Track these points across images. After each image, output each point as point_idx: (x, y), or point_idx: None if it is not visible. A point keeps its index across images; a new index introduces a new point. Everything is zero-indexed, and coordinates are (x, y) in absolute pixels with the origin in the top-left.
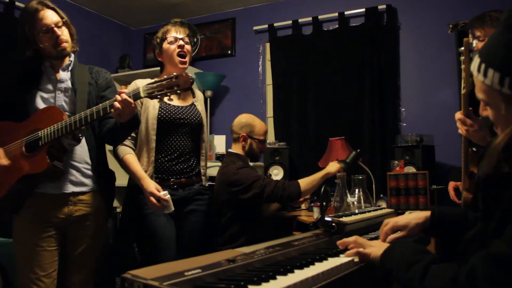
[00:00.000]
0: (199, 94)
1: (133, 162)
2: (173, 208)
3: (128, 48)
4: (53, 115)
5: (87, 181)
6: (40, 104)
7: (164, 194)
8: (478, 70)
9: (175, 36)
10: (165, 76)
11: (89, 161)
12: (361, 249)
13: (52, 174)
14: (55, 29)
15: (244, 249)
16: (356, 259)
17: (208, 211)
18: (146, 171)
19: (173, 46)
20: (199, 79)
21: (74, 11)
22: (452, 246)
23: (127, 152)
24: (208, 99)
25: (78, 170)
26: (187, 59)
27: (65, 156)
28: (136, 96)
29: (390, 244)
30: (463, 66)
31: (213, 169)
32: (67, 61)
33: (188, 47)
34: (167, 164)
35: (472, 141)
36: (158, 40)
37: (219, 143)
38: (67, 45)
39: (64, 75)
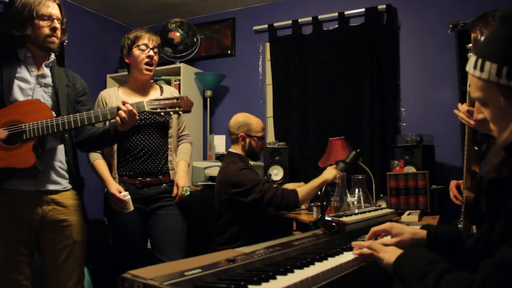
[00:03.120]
0: (168, 91)
1: (101, 166)
2: (132, 208)
3: None
4: (39, 110)
5: (62, 180)
6: (18, 94)
7: (124, 195)
8: (474, 67)
9: (146, 44)
10: (167, 96)
11: (64, 162)
12: (375, 253)
13: (31, 172)
14: (55, 21)
15: (244, 249)
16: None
17: (180, 205)
18: (111, 172)
19: (143, 54)
20: (199, 79)
21: (74, 11)
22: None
23: (96, 157)
24: (208, 99)
25: (53, 168)
26: (153, 67)
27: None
28: (139, 108)
29: (404, 251)
30: None
31: (213, 169)
32: (50, 58)
33: (156, 57)
34: (133, 163)
35: (481, 131)
36: (129, 42)
37: (219, 143)
38: (56, 41)
39: (46, 71)
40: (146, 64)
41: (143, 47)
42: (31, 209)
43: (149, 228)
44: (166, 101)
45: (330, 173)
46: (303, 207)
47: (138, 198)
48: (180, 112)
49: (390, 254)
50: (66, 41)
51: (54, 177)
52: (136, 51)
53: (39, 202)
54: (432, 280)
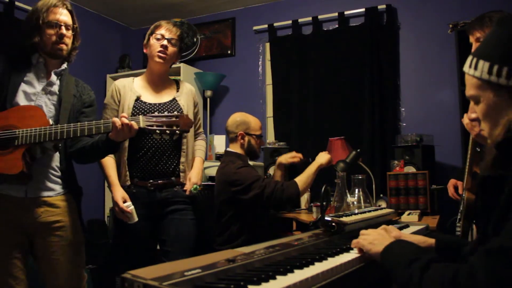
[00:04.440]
0: (185, 88)
1: (109, 166)
2: (136, 219)
3: (128, 48)
4: (36, 117)
5: (55, 186)
6: (21, 98)
7: (127, 206)
8: (470, 66)
9: (162, 34)
10: (166, 113)
11: (58, 169)
12: (362, 241)
13: (18, 178)
14: (63, 27)
15: (244, 249)
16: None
17: (193, 209)
18: (121, 171)
19: (157, 44)
20: (199, 79)
21: (74, 11)
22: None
23: None
24: (208, 99)
25: (46, 175)
26: (166, 57)
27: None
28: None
29: (392, 241)
30: None
31: (213, 169)
32: (62, 66)
33: (172, 49)
34: (144, 163)
35: (482, 143)
36: (149, 32)
37: (219, 143)
38: (65, 48)
39: (55, 78)
40: (159, 52)
41: (158, 36)
42: (23, 212)
43: (161, 231)
44: (164, 119)
45: (323, 157)
46: (303, 207)
47: (150, 202)
48: (177, 131)
49: (378, 244)
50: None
51: (47, 184)
52: (151, 40)
53: (31, 206)
54: (420, 267)
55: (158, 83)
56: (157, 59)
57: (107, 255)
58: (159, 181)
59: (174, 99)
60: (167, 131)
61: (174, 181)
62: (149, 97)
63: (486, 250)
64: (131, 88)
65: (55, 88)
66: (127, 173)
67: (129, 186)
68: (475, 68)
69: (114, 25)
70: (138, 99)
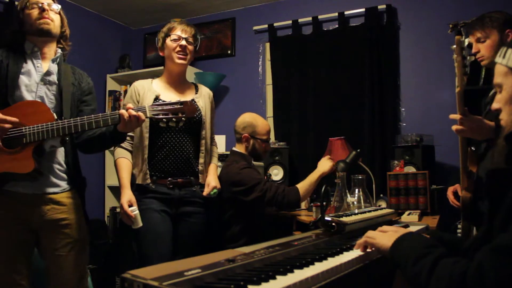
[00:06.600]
0: (203, 91)
1: (122, 167)
2: (140, 225)
3: (128, 48)
4: (40, 113)
5: (61, 182)
6: (22, 91)
7: (132, 210)
8: (499, 55)
9: (179, 35)
10: (170, 101)
11: (63, 164)
12: (370, 240)
13: (30, 176)
14: (44, 4)
15: (244, 249)
16: (361, 253)
17: (208, 212)
18: (141, 169)
19: (175, 44)
20: (199, 79)
21: (74, 11)
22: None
23: (121, 155)
24: None
25: (52, 171)
26: (187, 57)
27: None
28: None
29: (400, 235)
30: (456, 64)
31: None
32: (57, 53)
33: (190, 47)
34: (164, 162)
35: (478, 139)
36: (163, 35)
37: (219, 143)
38: (51, 23)
39: (52, 67)
40: (178, 53)
41: (175, 37)
42: (30, 209)
43: (175, 233)
44: (169, 106)
45: (325, 165)
46: (303, 207)
47: (169, 198)
48: (183, 118)
49: (386, 239)
50: (65, 30)
51: (53, 180)
52: (168, 42)
53: (37, 202)
54: (429, 263)
55: (177, 84)
56: (178, 60)
57: (107, 255)
58: (178, 180)
59: (193, 100)
60: (174, 119)
61: (193, 180)
62: (168, 97)
63: (494, 248)
64: (149, 88)
65: (54, 78)
66: (148, 171)
67: (149, 184)
68: (504, 56)
69: (114, 25)
70: (157, 98)
